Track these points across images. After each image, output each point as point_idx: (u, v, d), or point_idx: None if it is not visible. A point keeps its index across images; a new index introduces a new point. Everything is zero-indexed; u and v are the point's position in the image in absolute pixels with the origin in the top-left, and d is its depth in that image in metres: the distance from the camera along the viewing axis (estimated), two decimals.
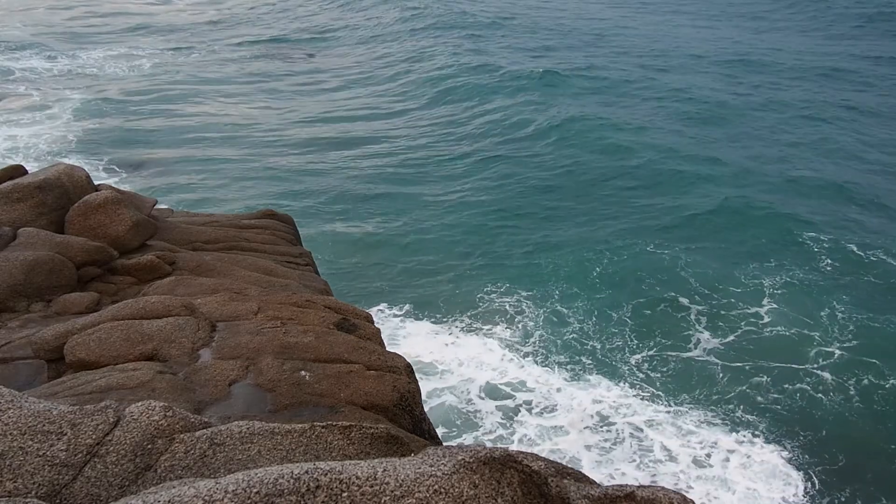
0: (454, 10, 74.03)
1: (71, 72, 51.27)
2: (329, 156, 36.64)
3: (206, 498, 3.74)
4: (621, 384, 19.48)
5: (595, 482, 4.34)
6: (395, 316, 22.48)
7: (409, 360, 9.67)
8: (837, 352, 20.70)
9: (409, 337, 21.28)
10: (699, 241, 27.07)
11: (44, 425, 4.92)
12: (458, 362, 19.97)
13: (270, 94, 48.01)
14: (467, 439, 17.06)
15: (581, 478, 4.43)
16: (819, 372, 19.83)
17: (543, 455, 17.29)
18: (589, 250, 26.25)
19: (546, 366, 20.11)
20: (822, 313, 22.36)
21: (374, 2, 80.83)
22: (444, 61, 54.42)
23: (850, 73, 51.14)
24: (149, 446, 4.99)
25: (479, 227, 28.41)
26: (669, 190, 31.76)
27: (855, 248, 26.09)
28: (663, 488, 4.07)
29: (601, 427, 17.84)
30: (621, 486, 4.09)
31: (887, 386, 19.35)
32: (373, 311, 21.88)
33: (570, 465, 4.60)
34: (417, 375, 10.13)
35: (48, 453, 4.78)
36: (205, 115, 43.05)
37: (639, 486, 4.09)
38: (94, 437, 4.96)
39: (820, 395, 18.97)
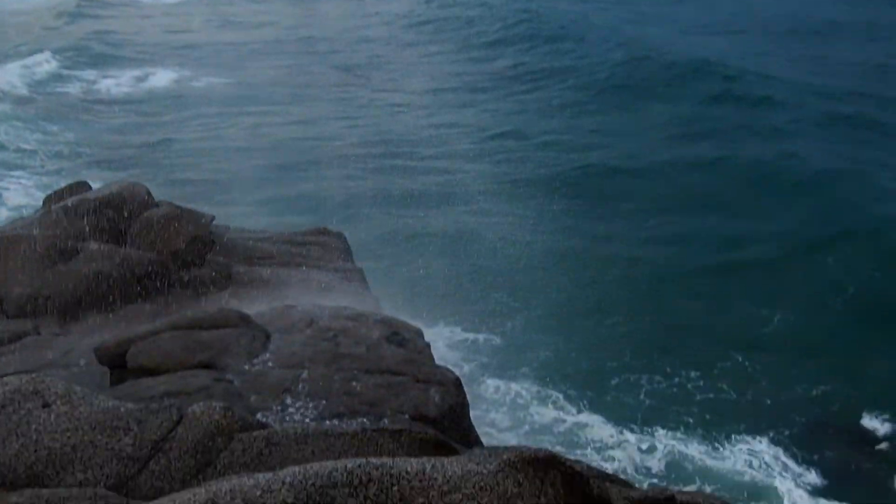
0: None
1: (118, 86, 51.69)
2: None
3: (265, 487, 3.97)
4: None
5: (635, 486, 4.46)
6: None
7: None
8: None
9: None
10: None
11: (112, 421, 5.22)
12: None
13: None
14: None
15: (622, 482, 4.56)
16: None
17: None
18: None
19: None
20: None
21: None
22: None
23: None
24: (209, 444, 5.26)
25: None
26: None
27: None
28: (703, 493, 4.18)
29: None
30: (662, 489, 4.21)
31: None
32: None
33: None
34: None
35: (116, 447, 5.07)
36: (251, 131, 43.19)
37: (678, 491, 4.20)
38: (158, 433, 5.25)
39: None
